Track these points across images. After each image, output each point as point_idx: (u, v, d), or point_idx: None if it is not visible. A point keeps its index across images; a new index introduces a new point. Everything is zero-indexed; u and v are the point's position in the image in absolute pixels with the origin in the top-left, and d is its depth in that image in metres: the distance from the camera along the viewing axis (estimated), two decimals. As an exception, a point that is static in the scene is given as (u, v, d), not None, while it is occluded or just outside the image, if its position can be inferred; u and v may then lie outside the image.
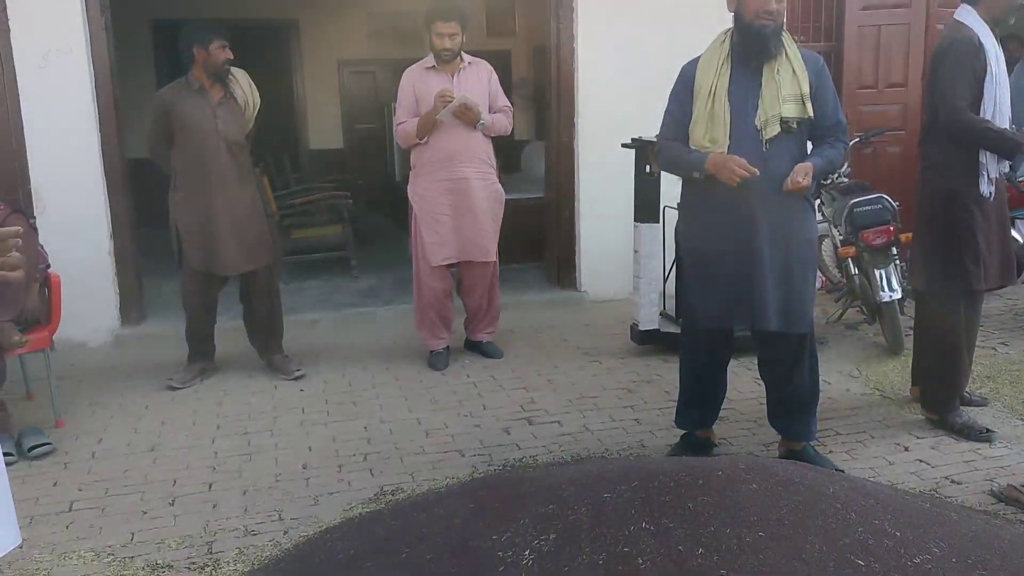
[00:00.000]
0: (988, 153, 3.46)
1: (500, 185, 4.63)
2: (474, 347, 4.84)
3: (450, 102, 4.24)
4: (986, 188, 3.48)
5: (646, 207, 4.64)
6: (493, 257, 4.60)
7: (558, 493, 2.19)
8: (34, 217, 4.82)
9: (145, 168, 4.88)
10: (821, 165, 3.09)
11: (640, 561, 1.84)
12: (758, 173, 2.97)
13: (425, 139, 4.39)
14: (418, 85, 4.41)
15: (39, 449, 3.61)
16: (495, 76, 4.58)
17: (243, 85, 4.37)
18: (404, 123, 4.45)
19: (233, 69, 4.34)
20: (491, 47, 9.68)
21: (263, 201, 4.60)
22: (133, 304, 5.20)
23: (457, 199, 4.44)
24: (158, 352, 4.90)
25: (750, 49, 3.05)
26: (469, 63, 4.48)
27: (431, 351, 4.68)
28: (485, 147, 4.51)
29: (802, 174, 2.99)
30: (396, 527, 2.54)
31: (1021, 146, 3.43)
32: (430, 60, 4.45)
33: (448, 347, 4.71)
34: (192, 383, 4.43)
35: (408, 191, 4.59)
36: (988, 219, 3.53)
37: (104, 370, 4.71)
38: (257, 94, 4.44)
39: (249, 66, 4.49)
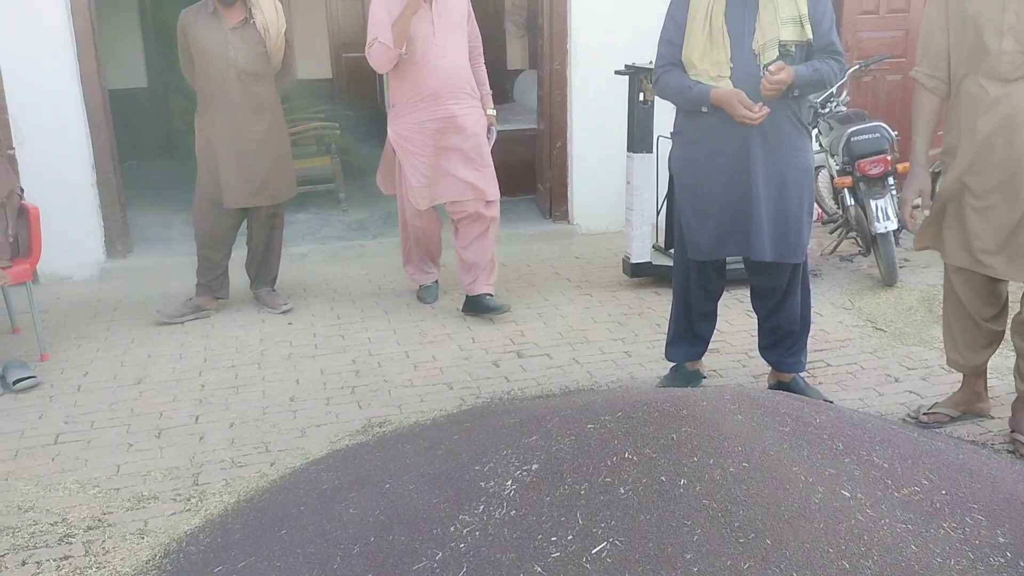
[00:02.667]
0: None
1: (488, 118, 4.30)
2: (476, 306, 4.33)
3: None
4: None
5: (639, 137, 4.53)
6: (492, 196, 4.22)
7: (542, 424, 2.16)
8: (12, 149, 4.72)
9: (130, 99, 4.74)
10: (805, 74, 2.94)
11: (622, 491, 1.82)
12: (767, 111, 2.87)
13: (403, 48, 3.98)
14: (393, 10, 4.09)
15: (24, 383, 3.57)
16: (470, 3, 4.24)
17: (264, 9, 4.13)
18: (376, 40, 4.01)
19: None
20: (483, -28, 9.42)
21: (285, 137, 4.41)
22: (119, 237, 5.11)
23: (444, 139, 4.12)
24: (144, 285, 4.84)
25: None
26: None
27: (420, 285, 4.62)
28: (470, 79, 4.19)
29: (776, 69, 2.84)
30: (380, 458, 2.53)
31: None
32: None
33: (437, 280, 4.65)
34: (183, 319, 4.32)
35: (389, 131, 4.25)
36: None
37: (90, 304, 4.66)
38: (283, 18, 4.21)
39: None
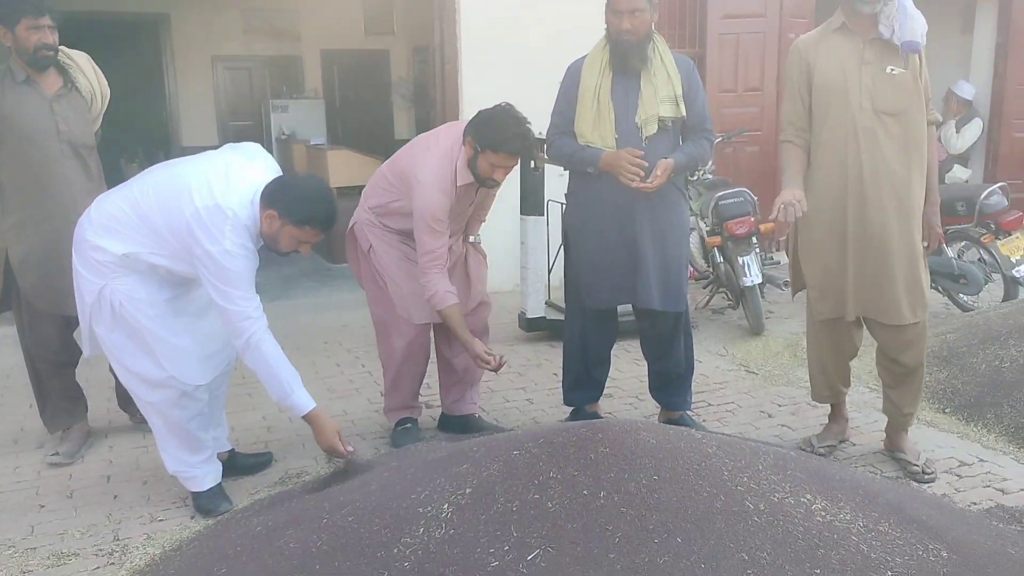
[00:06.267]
0: None
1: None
2: (463, 426, 3.73)
3: None
4: None
5: (531, 201, 4.88)
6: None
7: (469, 455, 2.37)
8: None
9: None
10: (682, 160, 3.36)
11: (550, 505, 2.05)
12: (646, 166, 3.23)
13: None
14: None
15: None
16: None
17: (86, 71, 3.49)
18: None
19: (71, 52, 3.47)
20: (369, 46, 9.76)
21: None
22: None
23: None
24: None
25: (618, 61, 3.32)
26: None
27: (399, 421, 3.69)
28: None
29: (656, 171, 3.22)
30: (312, 500, 2.66)
31: None
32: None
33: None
34: (81, 452, 3.56)
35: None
36: None
37: (-22, 371, 4.53)
38: (105, 82, 3.56)
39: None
